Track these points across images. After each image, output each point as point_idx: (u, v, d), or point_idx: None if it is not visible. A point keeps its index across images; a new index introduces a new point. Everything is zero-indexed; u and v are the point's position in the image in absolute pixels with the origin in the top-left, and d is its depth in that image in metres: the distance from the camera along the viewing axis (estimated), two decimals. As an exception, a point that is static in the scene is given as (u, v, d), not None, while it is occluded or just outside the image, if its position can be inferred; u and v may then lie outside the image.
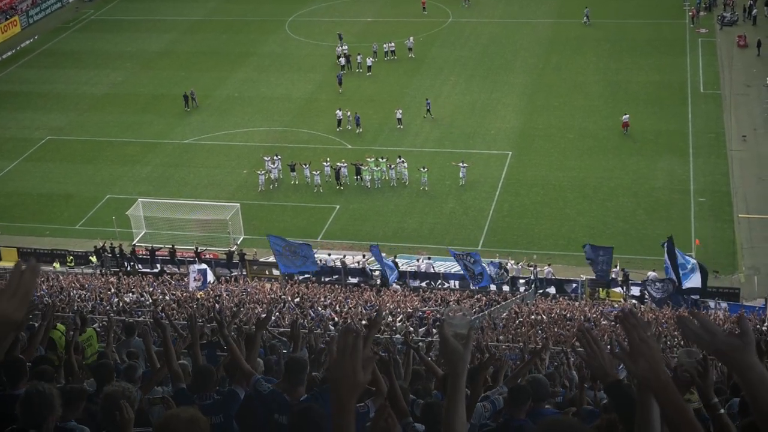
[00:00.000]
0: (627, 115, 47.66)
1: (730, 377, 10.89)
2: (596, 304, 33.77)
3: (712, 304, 34.59)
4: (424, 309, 30.64)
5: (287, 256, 36.80)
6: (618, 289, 36.48)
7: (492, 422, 8.03)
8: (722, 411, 5.96)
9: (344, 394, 3.54)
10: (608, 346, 7.23)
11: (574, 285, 36.92)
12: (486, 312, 30.90)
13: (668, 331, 25.69)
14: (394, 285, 36.65)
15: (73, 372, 9.61)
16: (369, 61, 56.55)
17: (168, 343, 9.42)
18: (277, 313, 27.19)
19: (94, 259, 40.74)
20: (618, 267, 36.26)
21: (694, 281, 33.32)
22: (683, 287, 33.34)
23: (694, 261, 33.87)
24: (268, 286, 35.69)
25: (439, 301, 32.89)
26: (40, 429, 6.47)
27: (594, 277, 36.02)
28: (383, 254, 36.91)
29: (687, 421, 3.48)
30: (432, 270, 38.37)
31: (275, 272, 39.30)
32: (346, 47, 58.34)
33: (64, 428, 6.84)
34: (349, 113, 49.97)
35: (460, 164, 43.54)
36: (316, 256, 38.68)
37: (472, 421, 7.75)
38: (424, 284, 37.67)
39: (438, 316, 29.31)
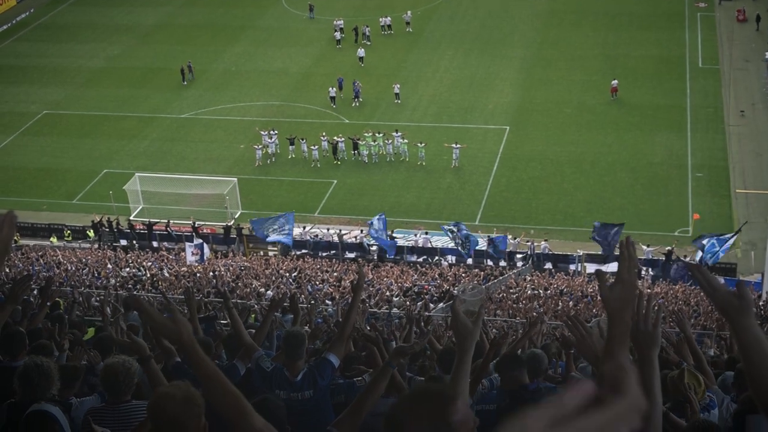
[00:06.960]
0: (616, 81, 47.73)
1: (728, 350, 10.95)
2: (593, 279, 33.80)
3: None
4: (422, 284, 30.70)
5: (282, 230, 36.80)
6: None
7: (491, 405, 7.90)
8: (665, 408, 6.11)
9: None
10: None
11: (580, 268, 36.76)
12: (483, 286, 30.96)
13: (663, 306, 25.78)
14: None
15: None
16: (361, 52, 54.85)
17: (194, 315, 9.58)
18: (275, 288, 27.25)
19: (91, 233, 40.71)
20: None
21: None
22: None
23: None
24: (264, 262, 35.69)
25: (437, 276, 32.93)
26: (38, 402, 6.49)
27: (600, 253, 35.81)
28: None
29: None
30: (429, 245, 38.40)
31: (270, 248, 39.29)
32: (341, 22, 57.91)
33: (65, 403, 6.86)
34: (355, 81, 49.72)
35: (454, 145, 43.12)
36: (313, 229, 38.90)
37: (475, 398, 7.71)
38: (421, 259, 37.71)
39: (434, 291, 29.39)
